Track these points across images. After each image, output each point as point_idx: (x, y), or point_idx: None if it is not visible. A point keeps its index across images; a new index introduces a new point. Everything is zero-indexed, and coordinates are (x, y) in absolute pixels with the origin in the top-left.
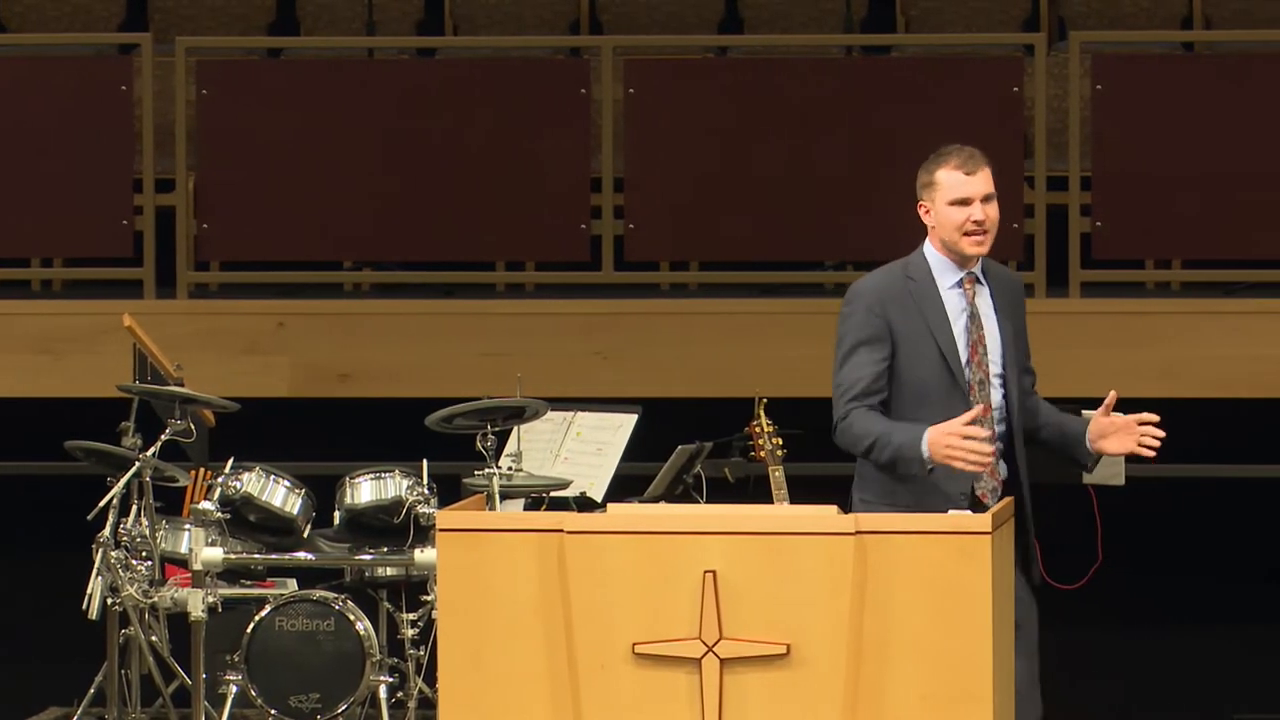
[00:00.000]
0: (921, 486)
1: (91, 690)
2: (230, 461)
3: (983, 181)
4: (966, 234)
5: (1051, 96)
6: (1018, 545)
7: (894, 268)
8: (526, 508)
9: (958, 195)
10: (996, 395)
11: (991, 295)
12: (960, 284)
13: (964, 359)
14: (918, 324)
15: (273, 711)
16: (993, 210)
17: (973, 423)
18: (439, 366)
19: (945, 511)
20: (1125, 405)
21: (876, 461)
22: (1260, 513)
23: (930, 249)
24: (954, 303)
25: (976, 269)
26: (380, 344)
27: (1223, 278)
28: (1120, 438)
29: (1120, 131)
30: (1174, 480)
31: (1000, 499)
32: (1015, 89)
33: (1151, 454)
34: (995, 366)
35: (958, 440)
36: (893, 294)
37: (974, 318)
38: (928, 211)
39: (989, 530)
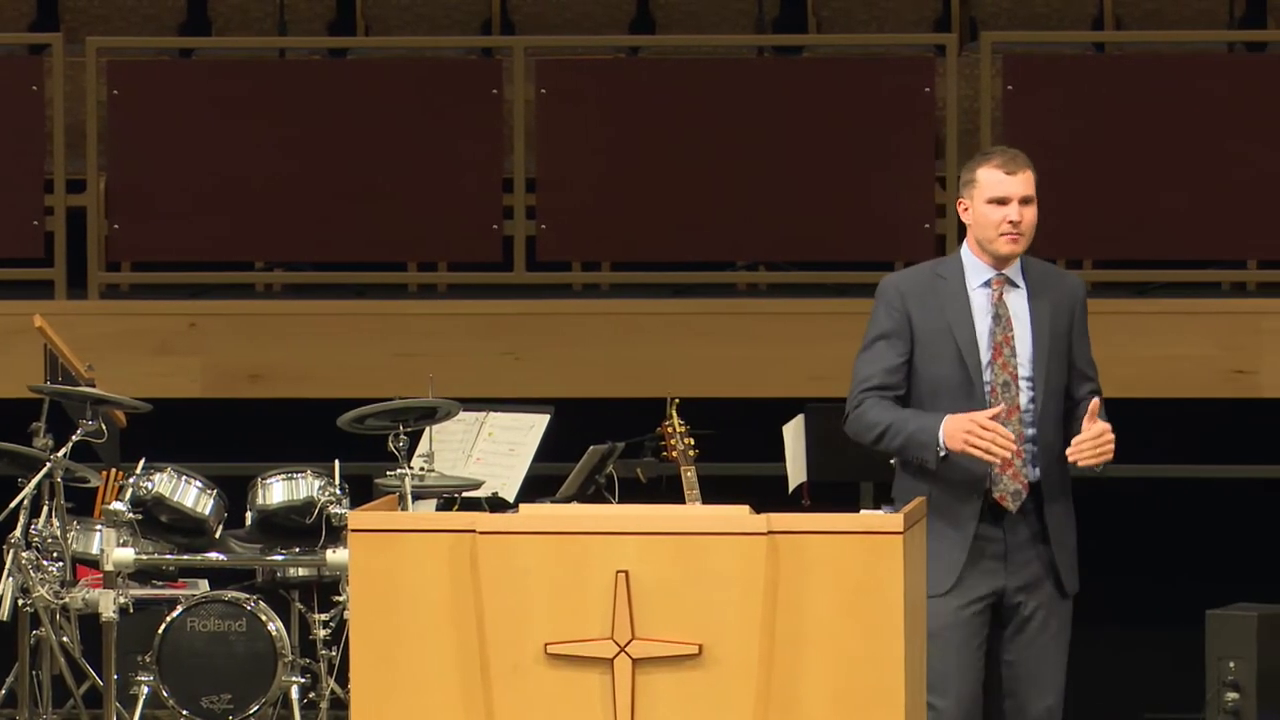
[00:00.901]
0: (942, 487)
1: (2, 691)
2: (142, 462)
3: (1022, 183)
4: (1002, 234)
5: (963, 97)
6: (1042, 560)
7: (926, 265)
8: (439, 508)
9: (996, 194)
10: (1024, 398)
11: (1030, 298)
12: (988, 284)
13: (985, 359)
14: (939, 321)
15: (184, 712)
16: (1030, 213)
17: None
18: (351, 367)
19: (963, 514)
20: None
21: (886, 449)
22: (1170, 513)
23: (966, 249)
24: (980, 302)
25: (1011, 270)
26: (292, 344)
27: (1134, 278)
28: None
29: (1031, 132)
30: (1085, 480)
31: (1021, 504)
32: (927, 89)
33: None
34: (1024, 369)
35: (979, 429)
36: (917, 290)
37: (999, 318)
38: (966, 209)
39: (901, 530)
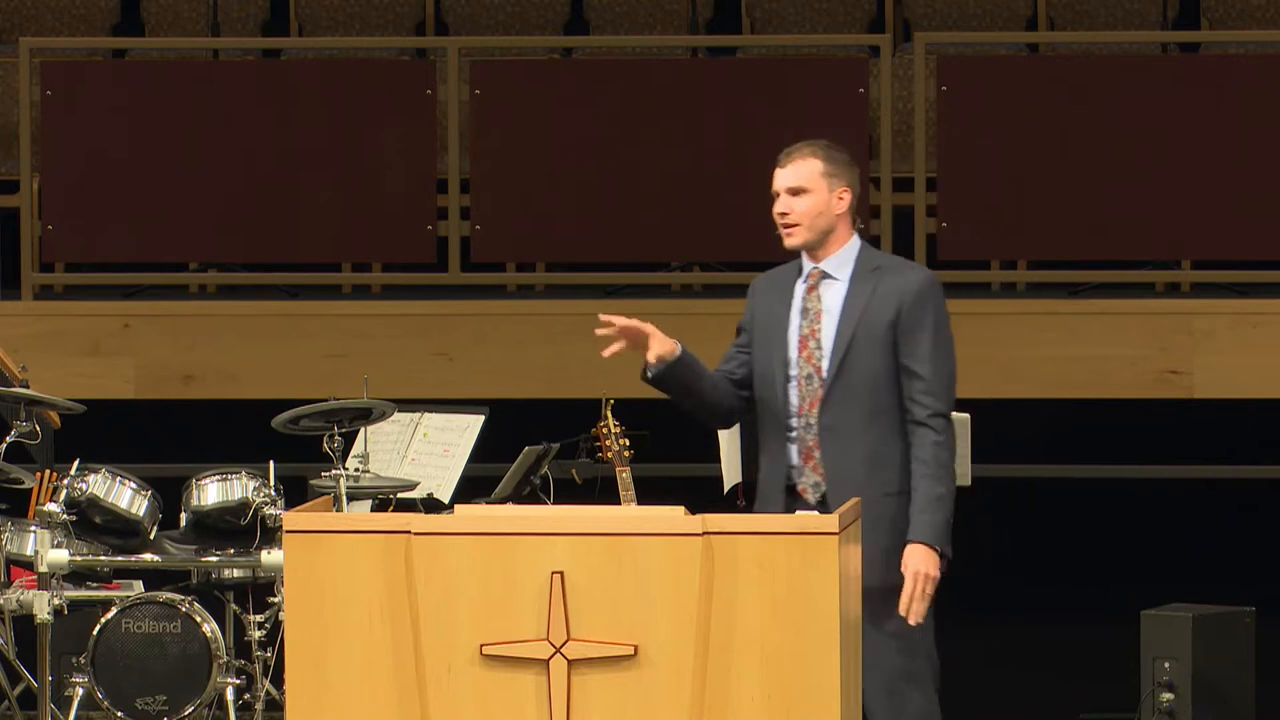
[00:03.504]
0: (764, 479)
1: None
2: (76, 463)
3: (791, 174)
4: (780, 227)
5: (897, 98)
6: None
7: (793, 262)
8: (373, 509)
9: (772, 188)
10: (824, 392)
11: (848, 290)
12: (808, 278)
13: (793, 354)
14: (771, 317)
15: (119, 714)
16: (800, 203)
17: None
18: (285, 368)
19: (774, 505)
20: (969, 406)
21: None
22: (1104, 514)
23: None
24: (798, 296)
25: (832, 263)
26: (226, 345)
27: (1067, 278)
28: None
29: (965, 132)
30: (1017, 480)
31: (822, 495)
32: (861, 90)
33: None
34: (827, 361)
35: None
36: (766, 286)
37: (807, 312)
38: None
39: (836, 531)
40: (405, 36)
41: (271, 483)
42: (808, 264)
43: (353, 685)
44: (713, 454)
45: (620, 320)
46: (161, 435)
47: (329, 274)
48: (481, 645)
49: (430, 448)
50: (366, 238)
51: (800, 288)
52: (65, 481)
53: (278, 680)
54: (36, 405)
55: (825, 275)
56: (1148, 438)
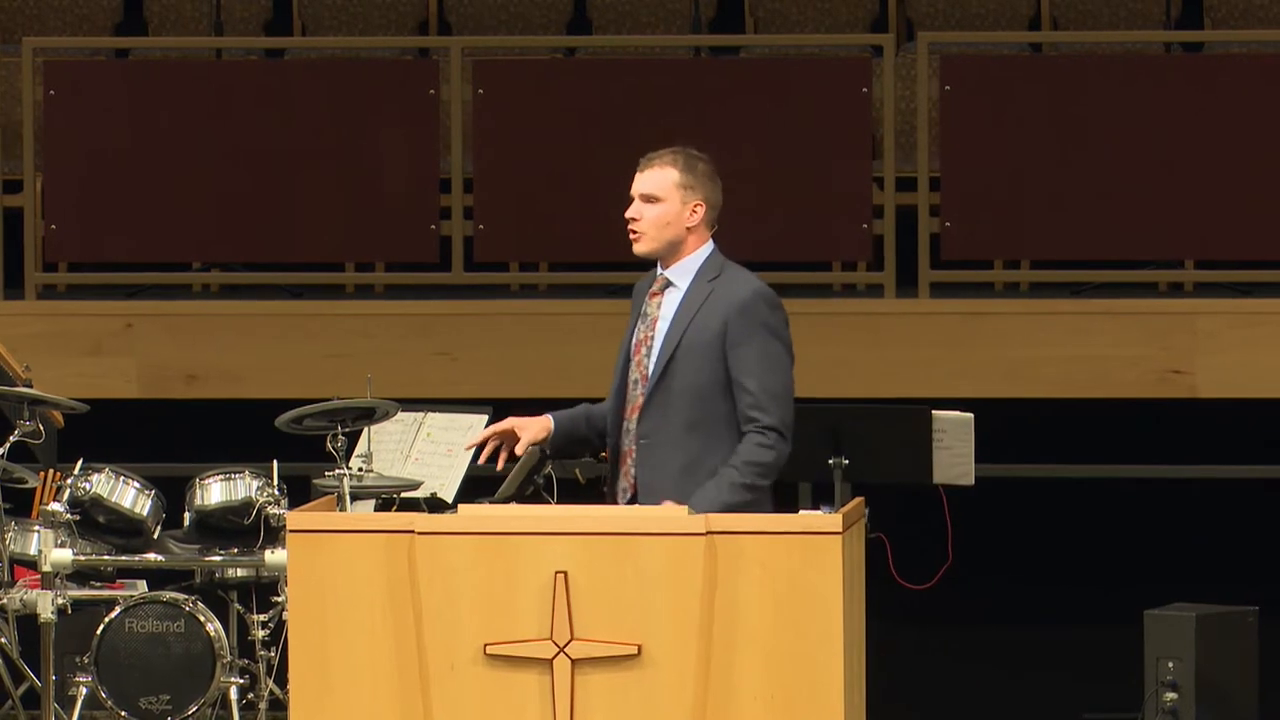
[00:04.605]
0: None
1: None
2: (79, 463)
3: (646, 180)
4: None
5: (900, 97)
6: None
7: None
8: (377, 509)
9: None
10: (643, 400)
11: (681, 300)
12: (654, 284)
13: (631, 360)
14: (632, 322)
15: (123, 713)
16: (650, 211)
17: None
18: (288, 368)
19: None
20: (972, 405)
21: None
22: (1105, 513)
23: None
24: (646, 303)
25: (676, 271)
26: (228, 345)
27: (1070, 278)
28: None
29: (968, 132)
30: (1020, 480)
31: (630, 501)
32: (864, 90)
33: None
34: (650, 370)
35: None
36: (637, 291)
37: (645, 318)
38: None
39: (839, 530)
40: (408, 36)
41: (275, 482)
42: (659, 270)
43: (356, 684)
44: None
45: (485, 432)
46: (165, 435)
47: (332, 274)
48: (485, 645)
49: (434, 447)
50: (369, 237)
51: (648, 292)
52: (69, 481)
53: (281, 679)
54: (40, 405)
55: (669, 283)
56: (1150, 437)
